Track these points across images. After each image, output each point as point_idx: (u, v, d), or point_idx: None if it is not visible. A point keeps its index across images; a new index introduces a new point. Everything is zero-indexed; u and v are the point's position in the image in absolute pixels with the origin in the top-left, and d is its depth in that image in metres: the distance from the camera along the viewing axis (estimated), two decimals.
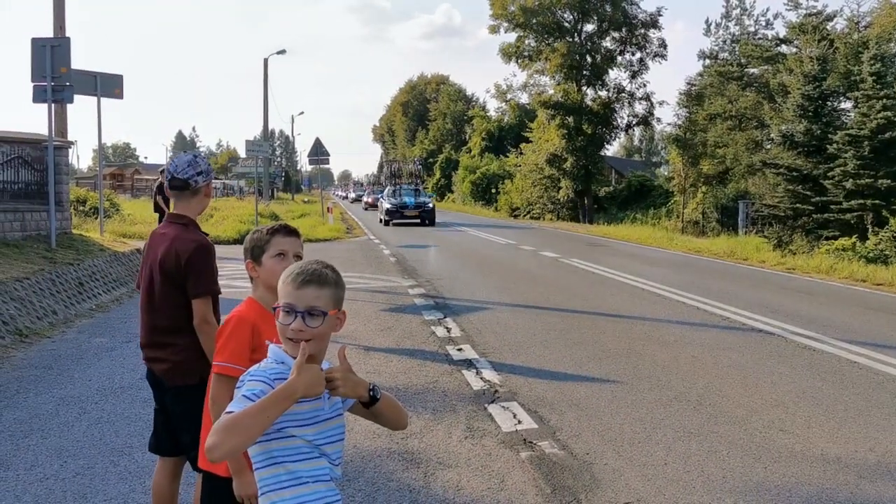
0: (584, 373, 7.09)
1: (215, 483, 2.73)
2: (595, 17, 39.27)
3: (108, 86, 16.06)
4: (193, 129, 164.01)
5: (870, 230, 19.58)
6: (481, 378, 6.87)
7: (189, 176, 3.44)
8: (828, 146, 22.45)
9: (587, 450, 5.07)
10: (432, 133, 73.48)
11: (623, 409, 5.94)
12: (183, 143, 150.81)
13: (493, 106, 63.40)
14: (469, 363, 7.40)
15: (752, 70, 33.81)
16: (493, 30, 40.88)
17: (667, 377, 6.90)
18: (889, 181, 19.98)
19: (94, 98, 15.92)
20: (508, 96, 46.43)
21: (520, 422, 5.64)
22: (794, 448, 5.09)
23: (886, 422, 5.65)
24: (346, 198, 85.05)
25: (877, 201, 20.21)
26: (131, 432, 5.34)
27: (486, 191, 53.34)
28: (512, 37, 40.90)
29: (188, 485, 4.14)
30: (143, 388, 5.90)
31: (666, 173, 42.92)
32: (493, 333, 8.86)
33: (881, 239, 18.39)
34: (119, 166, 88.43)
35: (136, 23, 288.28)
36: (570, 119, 38.21)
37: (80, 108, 46.02)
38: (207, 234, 3.54)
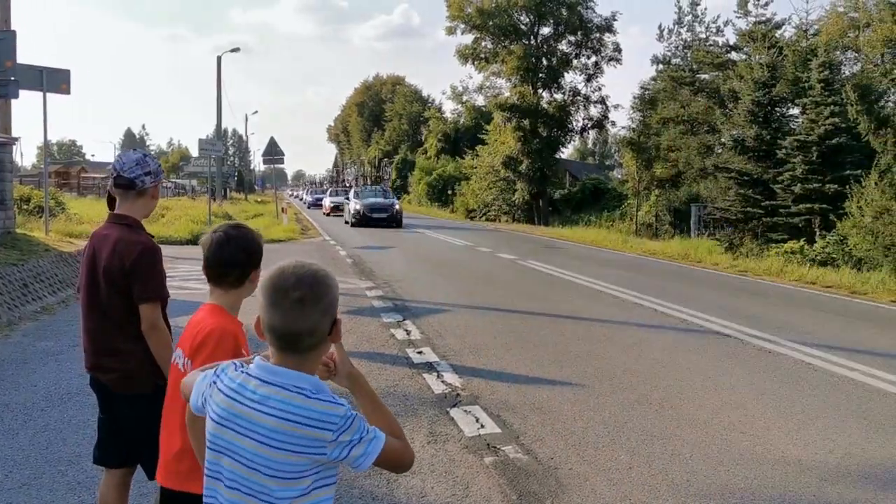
0: (546, 376, 7.05)
1: (182, 502, 2.57)
2: (551, 21, 39.56)
3: (54, 81, 15.56)
4: (143, 126, 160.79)
5: (817, 234, 20.05)
6: (442, 381, 6.78)
7: (136, 175, 3.25)
8: (777, 151, 22.93)
9: (551, 454, 5.02)
10: (388, 134, 73.21)
11: (586, 413, 5.91)
12: (132, 142, 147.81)
13: (449, 107, 63.33)
14: (430, 366, 7.31)
15: (703, 76, 34.36)
16: (450, 31, 40.91)
17: (628, 380, 6.90)
18: (836, 186, 20.45)
19: (40, 93, 15.44)
20: (464, 98, 46.53)
21: (483, 426, 5.57)
22: (755, 450, 5.11)
23: (843, 423, 5.72)
24: (319, 205, 50.23)
25: (824, 205, 20.68)
26: (80, 440, 5.12)
27: (442, 192, 53.30)
28: (469, 38, 40.99)
29: (140, 495, 3.98)
30: (91, 393, 5.65)
31: (620, 176, 43.39)
32: (454, 336, 8.79)
33: (828, 242, 18.82)
34: (65, 164, 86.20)
35: (83, 17, 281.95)
36: (526, 121, 38.40)
37: (24, 104, 44.70)
38: (153, 236, 3.36)
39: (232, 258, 2.62)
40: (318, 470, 1.84)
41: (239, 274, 2.64)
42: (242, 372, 1.92)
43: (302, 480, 1.83)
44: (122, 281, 3.13)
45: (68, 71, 16.03)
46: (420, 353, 7.90)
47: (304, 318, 1.82)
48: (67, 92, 16.02)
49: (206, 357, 2.41)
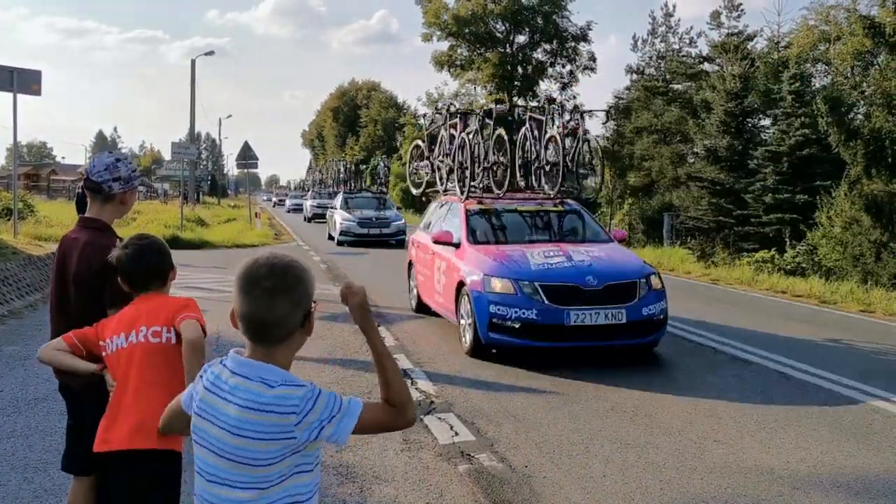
0: (520, 383, 7.04)
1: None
2: (527, 29, 39.76)
3: (25, 81, 15.37)
4: (115, 129, 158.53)
5: (788, 243, 20.28)
6: (416, 389, 6.75)
7: (103, 180, 3.17)
8: (749, 161, 23.19)
9: (525, 462, 5.01)
10: (363, 140, 73.07)
11: (560, 421, 5.91)
12: (104, 144, 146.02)
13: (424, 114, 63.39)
14: (404, 373, 7.27)
15: (676, 86, 34.69)
16: (427, 38, 40.97)
17: (602, 388, 6.91)
18: (806, 196, 20.72)
19: (9, 94, 15.21)
20: (440, 104, 46.52)
21: (457, 434, 5.55)
22: (728, 459, 5.14)
23: (815, 432, 5.76)
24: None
25: (794, 216, 20.94)
26: (46, 447, 5.03)
27: (417, 198, 53.22)
28: (445, 45, 41.07)
29: None
30: (59, 399, 5.54)
31: (593, 184, 43.64)
32: (428, 343, 8.76)
33: (798, 252, 19.06)
34: (34, 166, 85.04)
35: (57, 17, 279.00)
36: (501, 129, 38.51)
37: None
38: (122, 240, 3.30)
39: (151, 268, 2.94)
40: (291, 455, 1.86)
41: (163, 279, 2.99)
42: (221, 364, 1.97)
43: (273, 467, 1.86)
44: (92, 285, 3.08)
45: (39, 71, 15.85)
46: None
47: (273, 308, 1.86)
48: (38, 93, 15.84)
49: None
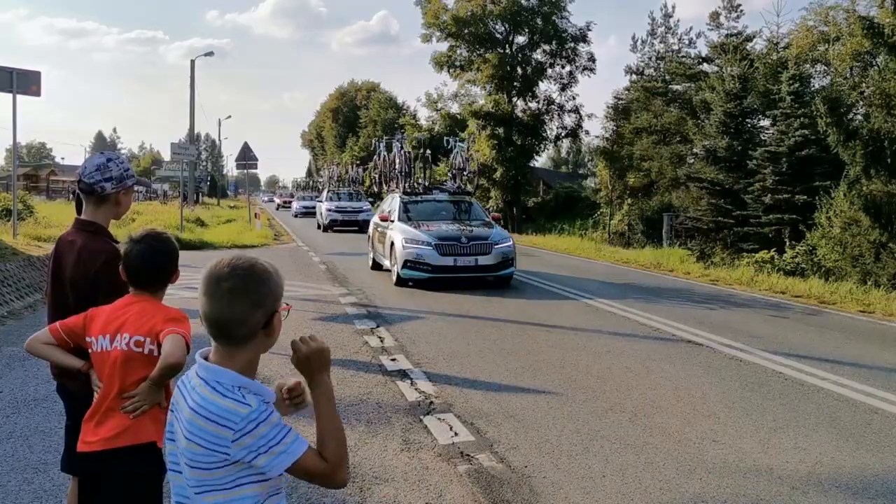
0: (519, 384, 7.05)
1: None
2: (526, 30, 39.77)
3: (24, 82, 15.36)
4: (114, 130, 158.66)
5: (787, 244, 20.31)
6: (416, 389, 6.75)
7: (95, 181, 3.17)
8: (748, 162, 23.25)
9: (525, 462, 5.01)
10: (363, 140, 73.12)
11: (559, 421, 5.92)
12: (103, 145, 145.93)
13: (423, 115, 63.40)
14: (403, 374, 7.28)
15: (676, 87, 34.76)
16: (426, 38, 40.97)
17: (601, 388, 6.92)
18: (805, 197, 20.76)
19: (9, 95, 15.21)
20: (439, 105, 46.52)
21: (456, 434, 5.56)
22: (727, 459, 5.14)
23: (814, 432, 5.77)
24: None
25: (793, 216, 21.00)
26: (46, 447, 5.03)
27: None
28: (444, 46, 41.08)
29: None
30: (58, 400, 5.54)
31: (593, 185, 43.67)
32: (428, 343, 8.76)
33: (797, 252, 19.09)
34: (34, 167, 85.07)
35: (56, 18, 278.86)
36: (501, 130, 38.54)
37: None
38: (118, 242, 3.29)
39: (158, 268, 2.94)
40: (229, 465, 1.84)
41: (165, 282, 2.99)
42: (195, 362, 1.99)
43: (214, 472, 1.84)
44: (87, 289, 3.09)
45: (39, 72, 15.85)
46: (393, 360, 7.87)
47: (232, 308, 1.86)
48: (38, 94, 15.83)
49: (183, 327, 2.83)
